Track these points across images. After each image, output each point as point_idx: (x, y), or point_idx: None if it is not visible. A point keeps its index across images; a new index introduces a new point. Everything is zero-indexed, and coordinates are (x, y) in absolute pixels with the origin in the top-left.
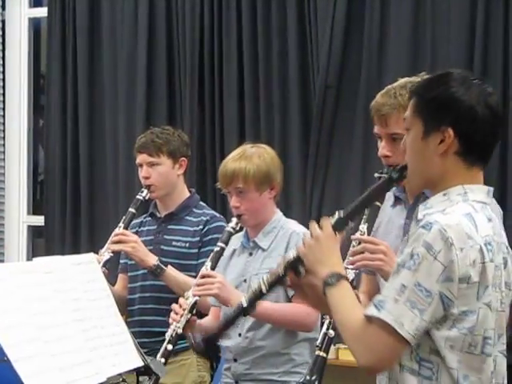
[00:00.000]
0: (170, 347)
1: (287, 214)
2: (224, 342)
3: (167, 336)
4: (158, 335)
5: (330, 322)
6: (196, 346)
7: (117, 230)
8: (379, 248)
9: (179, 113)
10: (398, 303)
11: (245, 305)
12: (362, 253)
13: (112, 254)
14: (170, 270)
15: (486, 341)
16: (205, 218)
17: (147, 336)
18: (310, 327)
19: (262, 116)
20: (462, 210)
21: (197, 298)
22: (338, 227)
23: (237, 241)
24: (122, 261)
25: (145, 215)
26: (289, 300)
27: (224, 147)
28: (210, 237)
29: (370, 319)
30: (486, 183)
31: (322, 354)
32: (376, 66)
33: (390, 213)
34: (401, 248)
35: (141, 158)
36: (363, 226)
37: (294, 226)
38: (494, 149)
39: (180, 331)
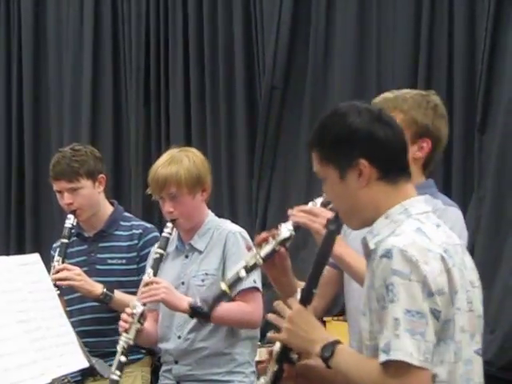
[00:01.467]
0: (123, 359)
1: (233, 216)
2: (162, 345)
3: (119, 348)
4: (103, 357)
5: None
6: (202, 323)
7: (56, 265)
8: (323, 214)
9: (125, 113)
10: (400, 338)
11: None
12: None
13: (58, 291)
14: (118, 296)
15: (466, 345)
16: (137, 232)
17: (94, 356)
18: (255, 325)
19: (208, 116)
20: (411, 227)
21: (144, 307)
22: (305, 300)
23: (168, 245)
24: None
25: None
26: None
27: (170, 148)
28: (147, 250)
29: (384, 366)
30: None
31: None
32: (322, 68)
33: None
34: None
35: (60, 186)
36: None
37: (228, 225)
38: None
39: (131, 343)
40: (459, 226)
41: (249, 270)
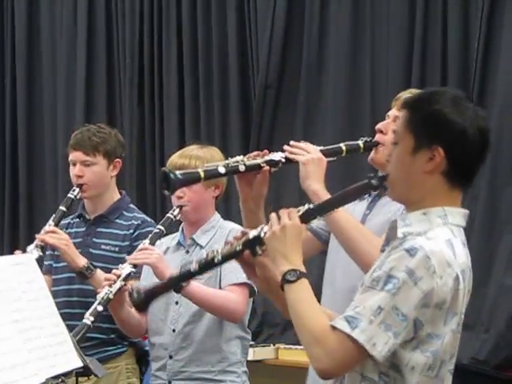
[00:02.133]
0: (100, 308)
1: (227, 213)
2: (156, 339)
3: (98, 297)
4: (84, 341)
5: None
6: (135, 297)
7: (47, 228)
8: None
9: (119, 113)
10: (373, 324)
11: (193, 269)
12: None
13: (41, 253)
14: (100, 273)
15: (442, 364)
16: (135, 222)
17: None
18: (237, 316)
19: (202, 116)
20: (444, 236)
21: (132, 269)
22: (304, 219)
23: (170, 240)
24: (46, 262)
25: (72, 216)
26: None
27: (164, 147)
28: (140, 241)
29: (338, 333)
30: None
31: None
32: (315, 67)
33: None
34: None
35: (75, 156)
36: None
37: (232, 225)
38: (478, 171)
39: (111, 296)
40: None
41: (229, 170)
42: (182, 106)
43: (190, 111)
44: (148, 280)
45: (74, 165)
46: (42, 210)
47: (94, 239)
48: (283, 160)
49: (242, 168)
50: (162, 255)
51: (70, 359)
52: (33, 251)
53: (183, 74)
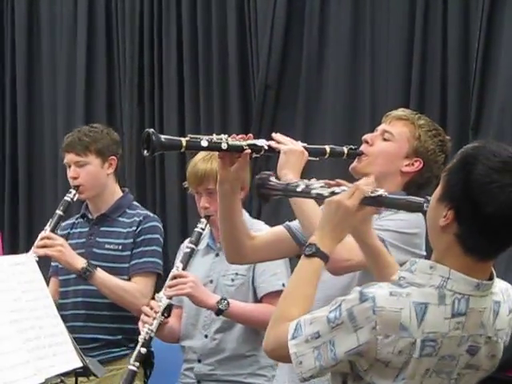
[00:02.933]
0: (143, 350)
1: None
2: (186, 343)
3: (140, 339)
4: (89, 342)
5: (144, 340)
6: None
7: (42, 233)
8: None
9: (118, 113)
10: (308, 344)
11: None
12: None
13: (37, 259)
14: (99, 273)
15: None
16: (138, 219)
17: (78, 342)
18: None
19: (202, 116)
20: (419, 298)
21: (170, 300)
22: (368, 202)
23: (200, 242)
24: (53, 263)
25: (77, 216)
26: (257, 301)
27: None
28: (142, 237)
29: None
30: None
31: (132, 368)
32: (316, 67)
33: None
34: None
35: (68, 158)
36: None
37: (261, 226)
38: (498, 253)
39: (153, 335)
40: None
41: (211, 145)
42: (181, 105)
43: (190, 111)
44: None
45: (70, 167)
46: (42, 210)
47: (98, 239)
48: (266, 147)
49: (224, 146)
50: (196, 281)
51: (70, 359)
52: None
53: (183, 73)
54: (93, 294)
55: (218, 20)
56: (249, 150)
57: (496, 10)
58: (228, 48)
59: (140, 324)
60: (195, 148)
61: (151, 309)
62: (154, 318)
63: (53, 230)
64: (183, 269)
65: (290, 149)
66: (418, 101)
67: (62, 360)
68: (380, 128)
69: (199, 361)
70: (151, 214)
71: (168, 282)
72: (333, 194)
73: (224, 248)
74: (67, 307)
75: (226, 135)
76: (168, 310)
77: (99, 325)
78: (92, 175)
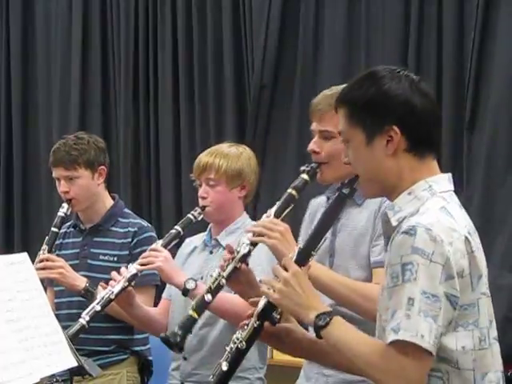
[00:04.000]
0: (98, 308)
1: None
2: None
3: (98, 297)
4: (88, 354)
5: (209, 287)
6: (173, 342)
7: (41, 254)
8: (277, 228)
9: (113, 113)
10: (411, 318)
11: (224, 369)
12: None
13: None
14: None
15: (489, 331)
16: (132, 230)
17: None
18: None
19: (197, 115)
20: (436, 205)
21: (137, 269)
22: (301, 261)
23: (199, 239)
24: None
25: (68, 225)
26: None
27: (159, 148)
28: (139, 249)
29: (390, 345)
30: None
31: (193, 314)
32: (311, 66)
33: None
34: (386, 257)
35: (57, 173)
36: (271, 210)
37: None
38: (440, 134)
39: (112, 297)
40: None
41: (213, 292)
42: (176, 106)
43: (185, 111)
44: (172, 289)
45: (59, 180)
46: (37, 210)
47: (92, 249)
48: (252, 248)
49: (223, 282)
50: (168, 256)
51: (65, 358)
52: None
53: (178, 74)
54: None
55: (213, 20)
56: (244, 265)
57: (491, 8)
58: (223, 48)
59: (102, 287)
60: (203, 307)
61: (119, 274)
62: (119, 282)
63: (50, 250)
64: (164, 246)
65: (273, 244)
66: None
67: (57, 359)
68: (314, 129)
69: (185, 358)
70: (145, 224)
71: (143, 254)
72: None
73: None
74: (61, 319)
75: (216, 270)
76: (133, 278)
77: (94, 336)
78: (83, 188)
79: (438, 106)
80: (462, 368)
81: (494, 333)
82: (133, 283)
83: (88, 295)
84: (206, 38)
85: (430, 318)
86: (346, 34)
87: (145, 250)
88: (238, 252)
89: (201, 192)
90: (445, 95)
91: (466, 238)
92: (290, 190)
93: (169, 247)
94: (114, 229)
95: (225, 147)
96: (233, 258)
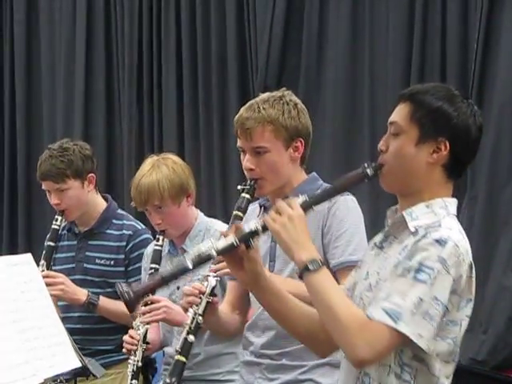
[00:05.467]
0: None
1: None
2: (166, 349)
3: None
4: (90, 354)
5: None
6: (126, 298)
7: (40, 271)
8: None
9: (117, 113)
10: (415, 316)
11: (190, 266)
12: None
13: None
14: (102, 302)
15: (458, 349)
16: (127, 233)
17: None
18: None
19: (201, 116)
20: (457, 226)
21: (147, 326)
22: (304, 208)
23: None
24: None
25: (62, 226)
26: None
27: (163, 148)
28: (136, 253)
29: (377, 325)
30: None
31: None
32: (314, 67)
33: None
34: (398, 256)
35: (47, 185)
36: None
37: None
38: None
39: (140, 364)
40: (355, 213)
41: (194, 331)
42: (180, 106)
43: (189, 112)
44: None
45: (50, 192)
46: (41, 211)
47: (87, 253)
48: (260, 228)
49: (200, 319)
50: (168, 304)
51: (69, 359)
52: None
53: (182, 74)
54: (86, 321)
55: (217, 21)
56: (243, 246)
57: (495, 9)
58: (227, 49)
59: (124, 351)
60: (181, 274)
61: (131, 338)
62: (137, 349)
63: (48, 265)
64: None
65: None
66: None
67: (61, 360)
68: (243, 147)
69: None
70: (139, 226)
71: (142, 310)
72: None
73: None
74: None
75: (191, 310)
76: (146, 336)
77: (97, 337)
78: (74, 198)
79: (479, 143)
80: (432, 373)
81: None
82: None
83: (91, 307)
84: (210, 39)
85: (434, 322)
86: (350, 34)
87: (142, 253)
88: (206, 286)
89: (154, 220)
90: None
91: (471, 263)
92: (235, 212)
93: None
94: (108, 231)
95: (156, 165)
96: (203, 293)
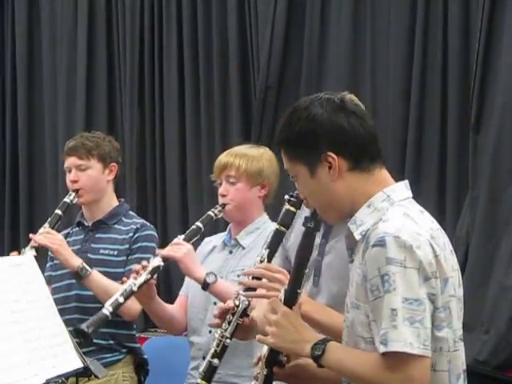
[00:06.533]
0: (121, 300)
1: None
2: (194, 339)
3: (121, 289)
4: (84, 351)
5: (215, 351)
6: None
7: (41, 230)
8: (275, 276)
9: (119, 113)
10: (397, 328)
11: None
12: (259, 279)
13: (35, 254)
14: (95, 275)
15: (457, 333)
16: (135, 226)
17: None
18: None
19: (203, 116)
20: (398, 212)
21: (161, 262)
22: (289, 301)
23: (219, 238)
24: (46, 273)
25: (73, 226)
26: None
27: (164, 148)
28: (139, 244)
29: (383, 357)
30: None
31: (202, 383)
32: (316, 67)
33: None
34: (358, 271)
35: (70, 162)
36: (264, 252)
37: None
38: (378, 141)
39: (135, 289)
40: None
41: (219, 355)
42: (182, 106)
43: (191, 112)
44: (190, 286)
45: (70, 171)
46: (43, 210)
47: (93, 245)
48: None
49: (227, 342)
50: (191, 249)
51: (71, 360)
52: (27, 252)
53: (184, 74)
54: (84, 300)
55: (219, 21)
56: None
57: (496, 9)
58: (228, 49)
59: (123, 280)
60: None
61: (142, 267)
62: (141, 274)
63: (52, 228)
64: (186, 240)
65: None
66: (418, 101)
67: (62, 361)
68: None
69: (204, 358)
70: (148, 223)
71: (166, 248)
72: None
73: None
74: (60, 314)
75: (219, 331)
76: (156, 271)
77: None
78: (92, 179)
79: (369, 120)
80: (438, 369)
81: (460, 332)
82: (155, 276)
83: (83, 272)
84: (212, 39)
85: (418, 323)
86: (351, 35)
87: (144, 246)
88: (237, 306)
89: (221, 190)
90: (450, 96)
91: (430, 242)
92: (277, 227)
93: (190, 242)
94: (116, 226)
95: (245, 148)
96: (234, 314)
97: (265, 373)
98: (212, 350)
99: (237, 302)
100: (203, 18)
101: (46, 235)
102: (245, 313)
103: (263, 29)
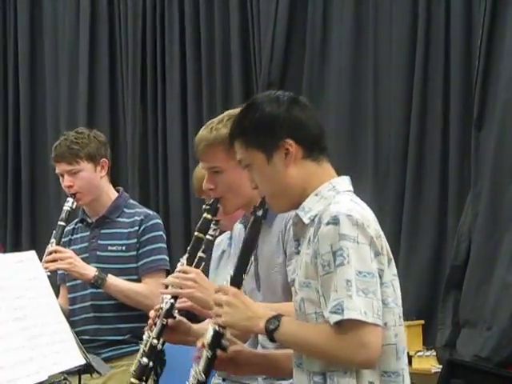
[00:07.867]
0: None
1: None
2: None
3: (141, 348)
4: (102, 343)
5: (143, 350)
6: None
7: (49, 247)
8: (189, 276)
9: (121, 112)
10: (352, 298)
11: None
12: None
13: (49, 274)
14: (111, 279)
15: (401, 309)
16: (139, 218)
17: (91, 345)
18: None
19: (205, 114)
20: (345, 198)
21: (171, 300)
22: (235, 285)
23: (226, 240)
24: (59, 271)
25: (76, 221)
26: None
27: (166, 145)
28: (147, 236)
29: (337, 326)
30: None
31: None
32: (318, 64)
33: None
34: (307, 251)
35: (60, 168)
36: (183, 257)
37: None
38: (326, 137)
39: (155, 342)
40: None
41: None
42: (184, 104)
43: (193, 109)
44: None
45: (62, 176)
46: (45, 210)
47: (100, 241)
48: (174, 302)
49: (155, 343)
50: (197, 278)
51: (73, 357)
52: None
53: (186, 72)
54: (100, 297)
55: (221, 18)
56: (171, 320)
57: (499, 6)
58: (231, 46)
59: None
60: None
61: (155, 311)
62: (155, 323)
63: (58, 243)
64: (189, 263)
65: (189, 292)
66: (421, 98)
67: (65, 357)
68: (205, 168)
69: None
70: (150, 212)
71: (170, 277)
72: None
73: None
74: (77, 313)
75: (147, 333)
76: (170, 312)
77: (108, 326)
78: (87, 181)
79: (316, 115)
80: (385, 343)
81: (401, 313)
82: (175, 314)
83: (99, 282)
84: (214, 36)
85: (372, 294)
86: (353, 31)
87: (152, 236)
88: (161, 309)
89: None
90: (453, 93)
91: (376, 222)
92: (196, 234)
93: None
94: (120, 219)
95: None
96: (158, 316)
97: (209, 356)
98: (141, 350)
99: (162, 305)
100: (205, 16)
101: (55, 256)
102: (169, 314)
103: (265, 27)
